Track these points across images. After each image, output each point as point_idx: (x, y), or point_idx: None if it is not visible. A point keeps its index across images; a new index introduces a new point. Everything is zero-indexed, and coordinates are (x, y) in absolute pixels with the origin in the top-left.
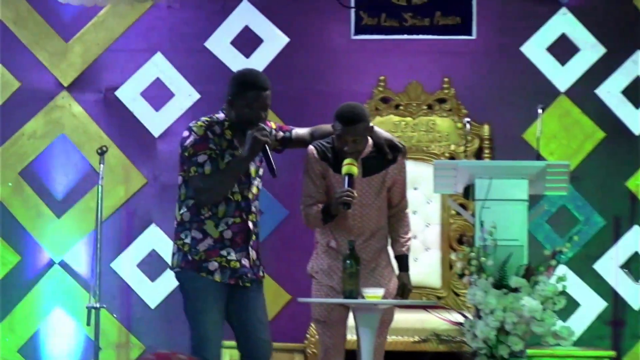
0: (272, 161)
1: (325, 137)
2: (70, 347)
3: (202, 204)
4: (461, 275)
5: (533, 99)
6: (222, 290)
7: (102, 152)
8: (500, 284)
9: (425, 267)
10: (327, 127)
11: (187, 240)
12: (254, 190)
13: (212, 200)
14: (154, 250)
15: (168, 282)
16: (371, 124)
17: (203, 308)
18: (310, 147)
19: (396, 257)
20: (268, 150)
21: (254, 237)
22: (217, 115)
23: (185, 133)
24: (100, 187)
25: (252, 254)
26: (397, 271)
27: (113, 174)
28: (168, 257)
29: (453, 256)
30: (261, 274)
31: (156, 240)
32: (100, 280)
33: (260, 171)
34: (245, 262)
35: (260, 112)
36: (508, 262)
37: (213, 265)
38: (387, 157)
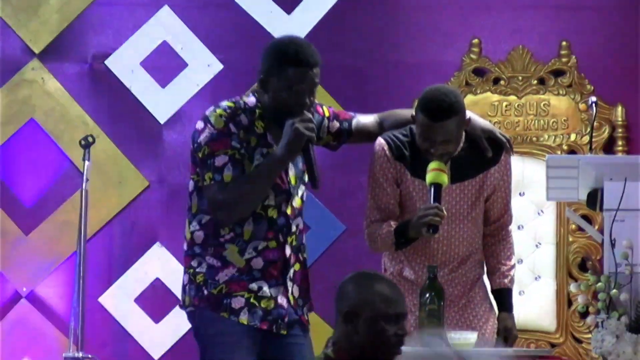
0: (315, 166)
1: (400, 127)
2: None
3: (220, 223)
4: (584, 314)
5: None
6: (252, 336)
7: (87, 144)
8: (638, 326)
9: (535, 303)
10: (403, 113)
11: (202, 269)
12: (296, 202)
13: (234, 219)
14: (158, 280)
15: (177, 323)
16: (468, 114)
17: None
18: (380, 140)
19: (494, 292)
20: (311, 151)
21: (297, 267)
22: (245, 99)
23: (199, 124)
24: (84, 192)
25: (293, 289)
26: (495, 310)
27: (102, 175)
28: (177, 289)
29: (573, 288)
30: (306, 317)
31: (161, 265)
32: (84, 321)
33: (307, 177)
34: (282, 300)
35: (304, 97)
36: None
37: (238, 302)
38: (485, 155)
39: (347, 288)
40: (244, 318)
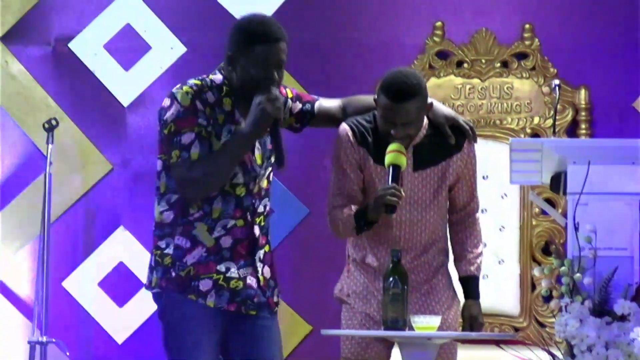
0: (282, 145)
1: (363, 113)
2: None
3: (188, 200)
4: (547, 298)
5: None
6: (217, 319)
7: (50, 128)
8: (602, 310)
9: (499, 287)
10: (366, 98)
11: (169, 250)
12: (264, 183)
13: (201, 196)
14: (122, 264)
15: (142, 307)
16: (430, 99)
17: (191, 344)
18: (344, 126)
19: (461, 280)
20: (278, 129)
21: (267, 248)
22: (212, 77)
23: (166, 102)
24: (47, 175)
25: (264, 270)
26: (460, 297)
27: (66, 158)
28: (141, 273)
29: (536, 272)
30: (275, 298)
31: (125, 249)
32: (48, 305)
33: (273, 156)
34: (251, 280)
35: (272, 72)
36: (613, 280)
37: (206, 284)
38: (448, 142)
39: None
40: (211, 301)
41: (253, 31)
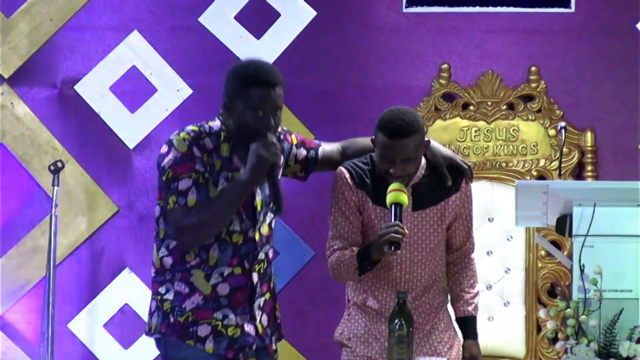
0: (279, 190)
1: (363, 154)
2: None
3: (185, 247)
4: (553, 340)
5: None
6: None
7: (56, 170)
8: (608, 352)
9: (504, 329)
10: (364, 141)
11: (169, 296)
12: (264, 229)
13: (198, 243)
14: (127, 306)
15: (147, 349)
16: (427, 138)
17: None
18: (341, 169)
19: (458, 320)
20: (275, 175)
21: (267, 296)
22: (210, 124)
23: (164, 148)
24: (53, 217)
25: (262, 318)
26: (460, 336)
27: (71, 200)
28: (146, 315)
29: (542, 314)
30: (274, 346)
31: (131, 291)
32: (54, 347)
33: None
34: (248, 328)
35: (268, 117)
36: (618, 322)
37: (204, 329)
38: (445, 182)
39: None
40: (209, 346)
41: (249, 75)
